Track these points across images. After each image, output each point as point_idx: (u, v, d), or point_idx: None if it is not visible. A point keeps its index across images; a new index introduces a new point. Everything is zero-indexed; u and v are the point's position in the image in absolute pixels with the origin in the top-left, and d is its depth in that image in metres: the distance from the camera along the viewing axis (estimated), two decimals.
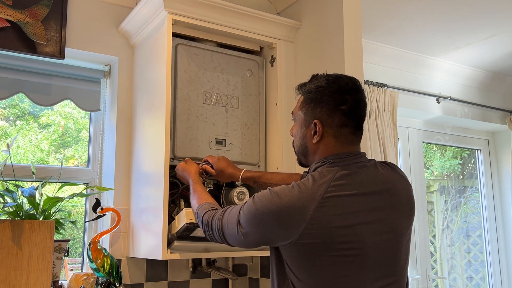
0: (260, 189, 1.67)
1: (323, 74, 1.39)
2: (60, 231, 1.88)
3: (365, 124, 1.41)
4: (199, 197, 1.60)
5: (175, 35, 1.97)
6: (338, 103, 1.32)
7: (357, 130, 1.36)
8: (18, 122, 2.25)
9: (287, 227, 1.23)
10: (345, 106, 1.31)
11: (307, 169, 1.44)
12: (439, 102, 3.56)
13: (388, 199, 1.30)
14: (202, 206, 1.53)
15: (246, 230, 1.30)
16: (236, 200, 1.92)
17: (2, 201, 1.79)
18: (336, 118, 1.32)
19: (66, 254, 1.92)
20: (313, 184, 1.24)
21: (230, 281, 2.31)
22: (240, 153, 2.05)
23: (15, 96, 2.11)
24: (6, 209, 1.77)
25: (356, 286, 1.24)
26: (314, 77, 1.40)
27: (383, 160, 2.30)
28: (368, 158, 1.36)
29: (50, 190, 1.99)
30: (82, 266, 2.19)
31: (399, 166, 1.52)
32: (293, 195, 1.23)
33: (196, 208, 1.55)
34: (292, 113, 1.46)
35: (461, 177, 4.14)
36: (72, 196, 1.94)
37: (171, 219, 1.87)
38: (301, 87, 1.42)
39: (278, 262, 1.33)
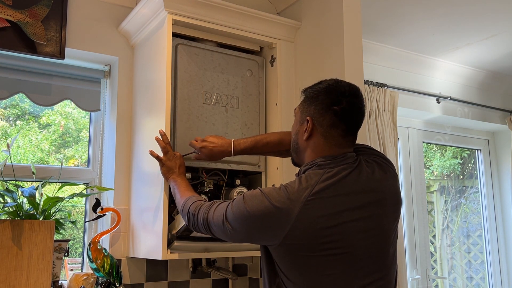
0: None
1: (329, 79, 1.42)
2: (60, 231, 1.88)
3: (365, 124, 1.42)
4: (186, 190, 1.64)
5: (175, 35, 1.97)
6: (331, 103, 1.34)
7: (348, 134, 1.37)
8: (18, 122, 2.25)
9: (272, 228, 1.27)
10: (338, 107, 1.33)
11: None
12: (439, 102, 3.56)
13: (373, 197, 1.32)
14: (191, 198, 1.57)
15: (232, 226, 1.33)
16: None
17: (2, 201, 1.79)
18: (327, 117, 1.34)
19: (66, 254, 1.92)
20: (298, 187, 1.27)
21: (230, 281, 2.31)
22: None
23: (15, 96, 2.11)
24: (6, 209, 1.77)
25: (344, 284, 1.26)
26: (320, 81, 1.43)
27: None
28: (355, 157, 1.37)
29: (50, 190, 1.99)
30: (82, 266, 2.19)
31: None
32: (280, 198, 1.27)
33: (185, 200, 1.58)
34: (294, 111, 1.50)
35: (461, 177, 4.14)
36: (72, 196, 1.94)
37: (171, 219, 1.87)
38: (305, 89, 1.44)
39: (269, 261, 1.36)
